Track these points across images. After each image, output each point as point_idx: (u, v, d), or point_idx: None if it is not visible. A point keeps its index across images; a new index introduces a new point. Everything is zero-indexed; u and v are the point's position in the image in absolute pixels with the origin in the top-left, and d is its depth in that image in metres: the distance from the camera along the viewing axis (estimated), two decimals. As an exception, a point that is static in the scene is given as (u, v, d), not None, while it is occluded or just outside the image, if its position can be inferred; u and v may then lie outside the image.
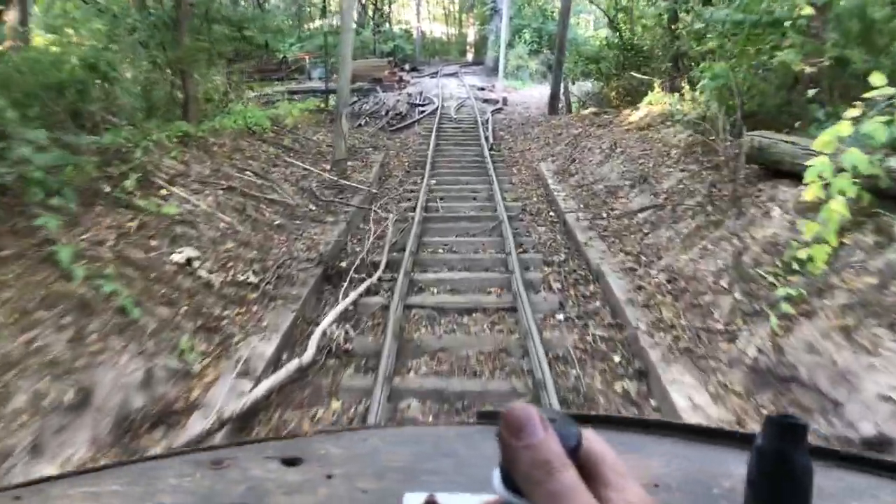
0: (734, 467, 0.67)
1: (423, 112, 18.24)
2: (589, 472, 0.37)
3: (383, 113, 17.65)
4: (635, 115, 11.47)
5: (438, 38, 55.48)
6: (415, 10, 47.69)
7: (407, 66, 38.24)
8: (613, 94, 14.69)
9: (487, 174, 10.50)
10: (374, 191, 9.16)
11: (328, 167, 9.77)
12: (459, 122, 16.52)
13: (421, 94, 23.01)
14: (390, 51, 38.59)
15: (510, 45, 31.02)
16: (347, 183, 8.96)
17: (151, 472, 0.77)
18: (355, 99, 22.02)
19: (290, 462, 0.78)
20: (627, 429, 0.91)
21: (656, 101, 11.39)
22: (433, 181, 10.05)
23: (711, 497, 0.72)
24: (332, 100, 18.07)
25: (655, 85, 11.92)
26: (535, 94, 25.01)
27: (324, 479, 0.75)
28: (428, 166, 10.87)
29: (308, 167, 9.10)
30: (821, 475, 0.49)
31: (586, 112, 15.05)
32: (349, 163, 10.52)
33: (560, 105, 17.81)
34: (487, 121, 16.14)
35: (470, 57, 46.30)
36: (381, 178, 10.46)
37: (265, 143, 9.51)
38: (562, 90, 17.87)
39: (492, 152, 12.31)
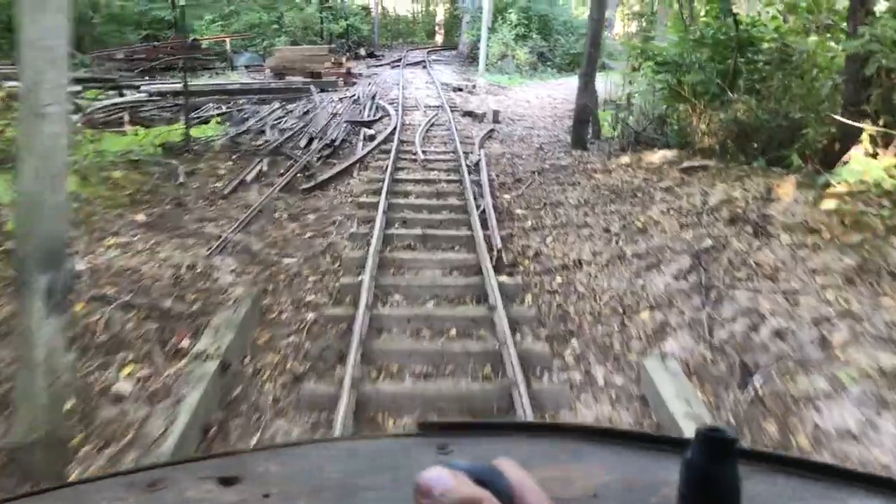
0: (673, 474, 0.61)
1: (370, 138, 11.35)
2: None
3: (303, 144, 10.69)
4: (833, 204, 4.89)
5: (403, 17, 48.10)
6: (374, -18, 40.18)
7: (363, 51, 31.05)
8: (705, 127, 8.02)
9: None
10: None
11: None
12: (430, 166, 9.67)
13: (374, 97, 16.06)
14: (342, 32, 31.32)
15: (491, 29, 24.17)
16: None
17: (81, 498, 0.76)
18: (276, 106, 15.02)
19: (228, 481, 0.76)
20: (573, 436, 0.92)
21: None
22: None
23: None
24: (214, 125, 11.14)
25: (865, 138, 5.33)
26: (532, 96, 18.27)
27: (260, 498, 0.73)
28: (351, 366, 4.07)
29: None
30: (753, 480, 0.53)
31: (655, 159, 8.38)
32: (114, 385, 3.69)
33: (589, 133, 11.10)
34: (478, 164, 9.36)
35: (439, 40, 39.10)
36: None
37: None
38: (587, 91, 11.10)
39: (503, 277, 5.57)
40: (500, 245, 6.14)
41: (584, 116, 10.62)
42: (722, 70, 7.71)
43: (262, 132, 11.86)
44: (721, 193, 6.27)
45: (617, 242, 6.09)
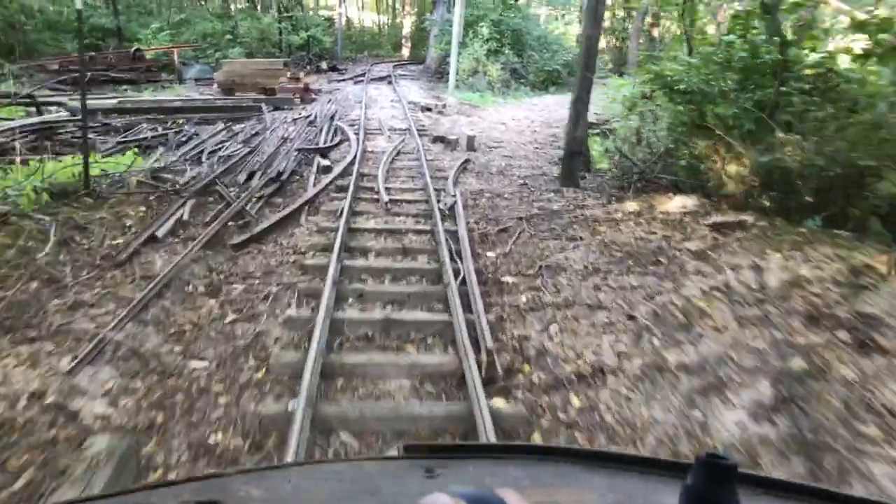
0: (667, 497, 0.63)
1: (325, 171, 9.65)
2: None
3: (242, 178, 8.91)
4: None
5: (368, 29, 46.59)
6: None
7: (324, 65, 29.32)
8: (734, 170, 6.50)
9: None
10: None
11: None
12: (395, 210, 7.97)
13: (333, 118, 14.36)
14: (302, 44, 29.55)
15: (461, 44, 22.67)
16: None
17: None
18: (220, 127, 13.19)
19: None
20: (563, 460, 0.89)
21: None
22: None
23: None
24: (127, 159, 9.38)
25: None
26: (507, 117, 16.75)
27: None
28: None
29: None
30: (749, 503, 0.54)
31: (671, 207, 6.86)
32: None
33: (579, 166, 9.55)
34: (454, 208, 7.74)
35: (406, 53, 37.63)
36: None
37: None
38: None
39: (498, 402, 3.90)
40: (490, 343, 4.46)
41: (576, 148, 9.07)
42: (758, 101, 6.20)
43: (199, 160, 10.04)
44: (781, 269, 4.72)
45: (650, 340, 4.47)
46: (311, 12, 35.48)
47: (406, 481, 0.82)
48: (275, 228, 7.09)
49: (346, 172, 9.45)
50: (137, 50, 20.82)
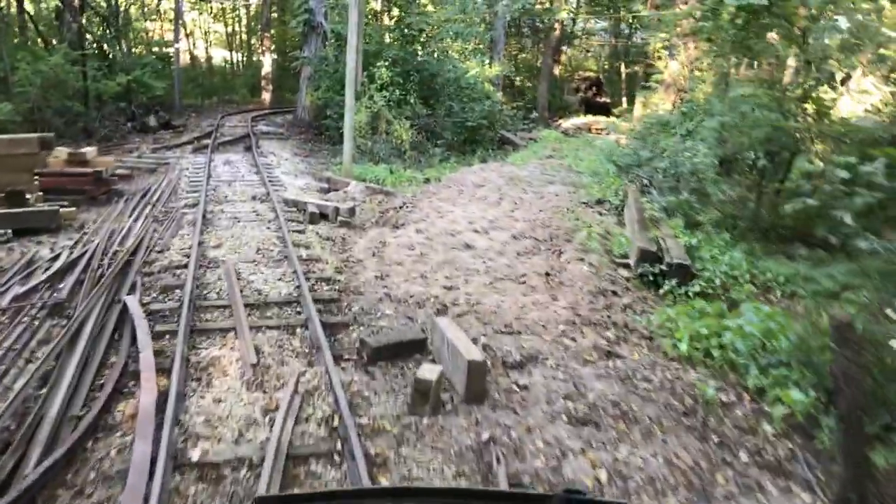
0: None
1: None
2: None
3: None
4: None
5: (218, 68, 38.05)
6: (180, 21, 30.09)
7: (153, 121, 20.86)
8: None
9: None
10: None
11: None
12: None
13: (127, 273, 6.52)
14: (121, 92, 20.86)
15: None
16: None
17: None
18: None
19: None
20: (419, 499, 0.84)
21: None
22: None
23: None
24: None
25: None
26: (462, 224, 9.60)
27: None
28: None
29: None
30: None
31: None
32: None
33: None
34: None
35: (267, 98, 29.51)
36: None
37: None
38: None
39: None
40: None
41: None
42: None
43: None
44: None
45: None
46: (137, 48, 26.76)
47: None
48: None
49: None
50: None
